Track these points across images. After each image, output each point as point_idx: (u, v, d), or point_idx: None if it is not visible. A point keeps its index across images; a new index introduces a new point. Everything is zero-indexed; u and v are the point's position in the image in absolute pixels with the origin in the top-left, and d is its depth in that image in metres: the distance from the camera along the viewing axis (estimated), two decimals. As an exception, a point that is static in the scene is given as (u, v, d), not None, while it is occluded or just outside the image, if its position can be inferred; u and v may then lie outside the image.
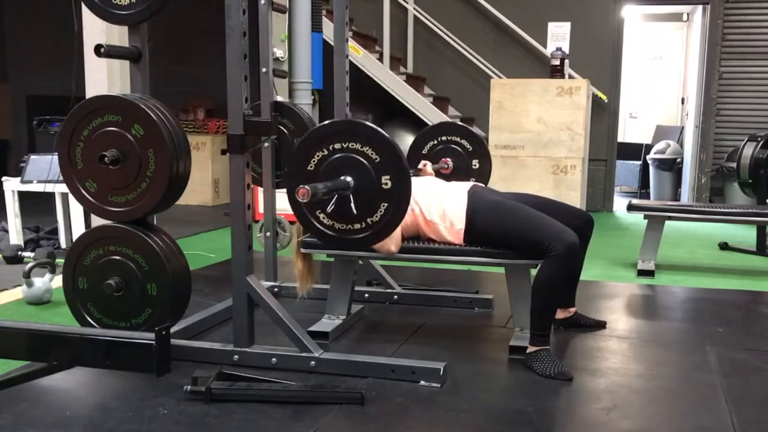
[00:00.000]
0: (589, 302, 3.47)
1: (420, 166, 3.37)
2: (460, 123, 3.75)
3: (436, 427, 2.20)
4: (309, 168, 2.36)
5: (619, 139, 7.62)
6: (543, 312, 2.61)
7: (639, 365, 2.72)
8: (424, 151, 3.63)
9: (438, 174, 3.45)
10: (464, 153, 3.61)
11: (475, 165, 3.61)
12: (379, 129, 2.31)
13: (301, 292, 2.95)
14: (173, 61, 7.84)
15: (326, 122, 2.41)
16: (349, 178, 2.30)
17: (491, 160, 3.66)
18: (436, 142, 3.62)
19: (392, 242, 2.68)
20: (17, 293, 3.54)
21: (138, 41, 2.68)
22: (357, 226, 2.35)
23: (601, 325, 3.11)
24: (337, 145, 2.32)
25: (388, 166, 2.28)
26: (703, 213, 4.40)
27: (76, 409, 2.27)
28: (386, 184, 2.28)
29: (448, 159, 3.60)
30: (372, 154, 2.28)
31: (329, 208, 2.32)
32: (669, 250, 4.88)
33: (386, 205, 2.30)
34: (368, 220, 2.33)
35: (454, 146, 3.61)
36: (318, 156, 2.35)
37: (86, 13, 4.20)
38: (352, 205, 2.30)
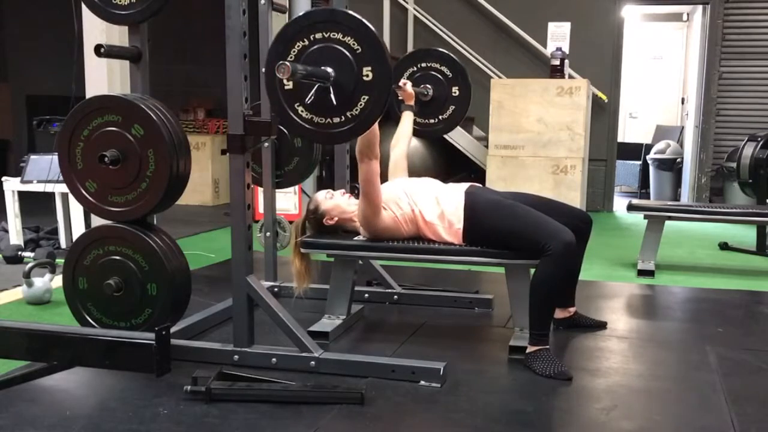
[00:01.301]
0: (589, 302, 3.47)
1: (400, 83, 3.30)
2: (440, 49, 3.66)
3: (436, 427, 2.20)
4: (289, 59, 2.26)
5: (619, 139, 7.62)
6: (541, 311, 2.61)
7: (639, 365, 2.72)
8: (404, 77, 3.56)
9: (418, 100, 3.39)
10: (444, 80, 3.54)
11: (455, 92, 3.54)
12: (362, 18, 2.22)
13: (297, 291, 2.95)
14: (173, 61, 7.85)
15: (307, 11, 2.32)
16: (329, 69, 2.22)
17: (470, 87, 3.56)
18: (415, 68, 3.55)
19: (370, 150, 2.60)
20: (17, 293, 3.54)
21: (138, 41, 2.69)
22: (336, 119, 2.26)
23: (602, 325, 3.11)
24: (318, 35, 2.24)
25: (369, 58, 2.20)
26: (703, 213, 4.40)
27: (76, 409, 2.27)
28: (367, 75, 2.20)
29: (428, 85, 3.54)
30: (354, 44, 2.20)
31: (308, 99, 2.23)
32: (669, 250, 4.88)
33: (366, 97, 2.22)
34: (348, 113, 2.24)
35: (433, 73, 3.54)
36: (298, 46, 2.26)
37: (86, 13, 4.20)
38: (332, 96, 2.21)
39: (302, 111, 2.30)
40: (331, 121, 2.27)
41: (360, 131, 2.31)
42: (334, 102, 2.22)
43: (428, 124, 3.51)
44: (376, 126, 2.58)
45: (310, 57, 2.24)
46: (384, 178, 2.86)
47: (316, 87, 2.23)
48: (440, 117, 3.57)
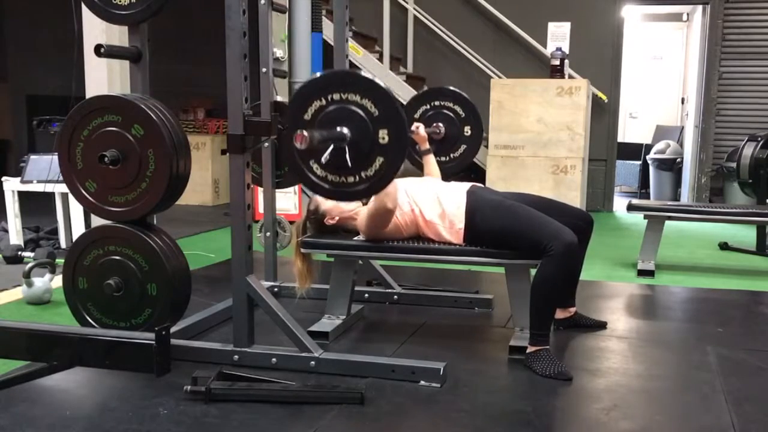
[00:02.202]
0: (589, 302, 3.47)
1: (413, 128, 3.31)
2: (453, 88, 3.68)
3: (436, 427, 2.20)
4: (306, 118, 2.29)
5: (619, 139, 7.62)
6: (542, 312, 2.61)
7: (639, 365, 2.72)
8: (416, 116, 3.59)
9: (430, 139, 3.41)
10: (456, 119, 3.56)
11: (467, 132, 3.56)
12: (379, 81, 2.24)
13: (299, 291, 2.95)
14: (173, 61, 7.84)
15: (325, 72, 2.35)
16: (345, 130, 2.23)
17: (482, 126, 3.59)
18: (428, 107, 3.57)
19: (389, 199, 2.65)
20: (17, 293, 3.54)
21: (138, 41, 2.69)
22: (351, 179, 2.28)
23: (602, 325, 3.11)
24: (336, 96, 2.25)
25: (386, 120, 2.21)
26: (703, 213, 4.40)
27: (76, 409, 2.27)
28: (383, 138, 2.21)
29: (440, 124, 3.56)
30: (370, 106, 2.22)
31: (324, 159, 2.24)
32: (669, 250, 4.88)
33: (382, 159, 2.23)
34: (363, 173, 2.26)
35: (446, 111, 3.57)
36: (315, 105, 2.28)
37: (86, 13, 4.20)
38: (348, 157, 2.23)
39: (317, 169, 2.32)
40: (345, 180, 2.29)
41: (375, 191, 2.34)
42: (350, 163, 2.24)
43: (439, 162, 3.52)
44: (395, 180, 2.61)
45: (327, 116, 2.26)
46: None
47: (332, 147, 2.24)
48: (451, 155, 3.60)
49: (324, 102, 2.27)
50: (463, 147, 3.58)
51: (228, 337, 2.62)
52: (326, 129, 2.23)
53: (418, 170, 3.40)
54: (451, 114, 3.57)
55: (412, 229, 2.84)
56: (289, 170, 2.40)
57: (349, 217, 2.95)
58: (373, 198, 2.68)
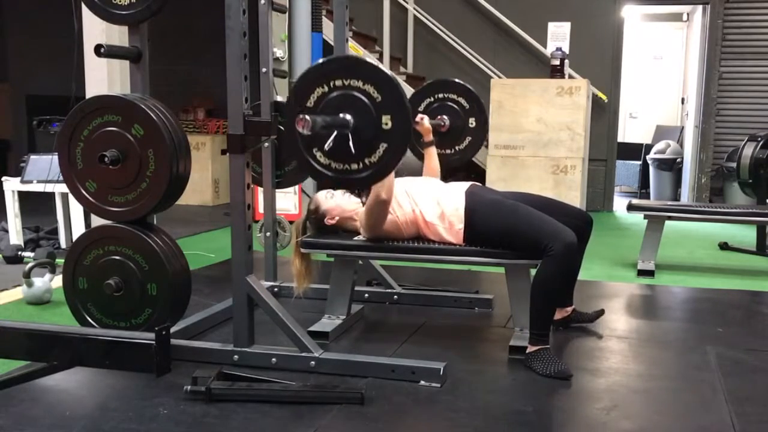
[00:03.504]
0: (589, 302, 3.47)
1: (417, 119, 3.29)
2: (457, 80, 3.65)
3: (436, 427, 2.20)
4: (308, 105, 2.27)
5: (619, 139, 7.62)
6: (542, 311, 2.61)
7: (639, 365, 2.72)
8: (420, 109, 3.57)
9: (434, 131, 3.40)
10: (461, 111, 3.54)
11: (471, 124, 3.54)
12: (383, 67, 2.23)
13: (297, 291, 2.95)
14: (173, 61, 7.84)
15: (327, 58, 2.33)
16: (348, 117, 2.22)
17: (487, 118, 3.54)
18: (432, 99, 3.55)
19: (384, 189, 2.64)
20: (17, 293, 3.54)
21: (138, 41, 2.69)
22: (354, 166, 2.27)
23: (600, 314, 3.10)
24: (338, 82, 2.24)
25: (389, 106, 2.20)
26: (703, 213, 4.40)
27: (76, 409, 2.27)
28: (387, 124, 2.20)
29: (445, 116, 3.54)
30: (374, 92, 2.20)
31: (327, 146, 2.24)
32: (669, 250, 4.88)
33: (385, 145, 2.22)
34: (366, 160, 2.25)
35: (450, 104, 3.54)
36: (318, 92, 2.26)
37: (86, 13, 4.20)
38: (351, 144, 2.22)
39: (320, 156, 2.30)
40: (348, 168, 2.28)
41: (378, 178, 2.32)
42: (353, 150, 2.23)
43: (444, 154, 3.49)
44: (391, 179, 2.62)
45: (329, 103, 2.25)
46: None
47: (335, 134, 2.23)
48: (456, 148, 3.58)
49: (326, 89, 2.25)
50: (468, 139, 3.55)
51: (228, 337, 2.62)
52: (329, 115, 2.22)
53: (420, 161, 3.38)
54: (456, 106, 3.54)
55: (412, 229, 2.84)
56: (292, 158, 2.37)
57: (349, 218, 2.95)
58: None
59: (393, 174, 2.57)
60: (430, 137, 3.32)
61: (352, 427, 2.14)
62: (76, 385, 2.44)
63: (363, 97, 2.21)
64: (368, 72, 2.22)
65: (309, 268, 2.96)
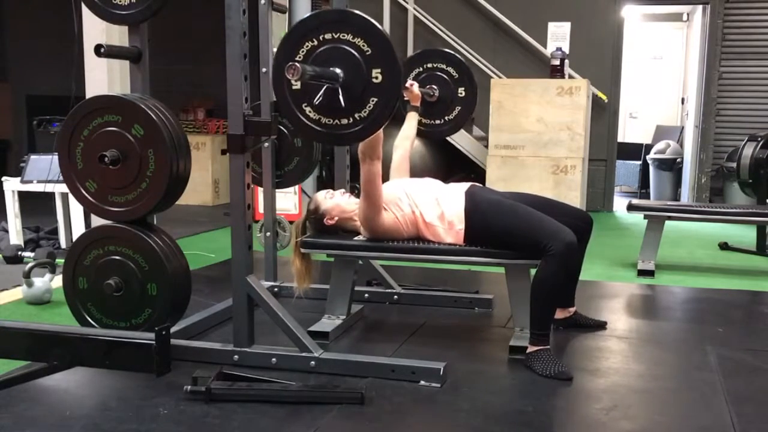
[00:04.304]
0: (589, 302, 3.47)
1: (407, 84, 3.29)
2: (446, 50, 3.65)
3: (436, 427, 2.20)
4: (298, 58, 2.25)
5: (619, 139, 7.62)
6: (542, 312, 2.61)
7: (639, 365, 2.72)
8: (410, 77, 3.56)
9: (424, 100, 3.39)
10: (450, 80, 3.52)
11: (461, 93, 3.53)
12: (372, 20, 2.20)
13: (298, 291, 2.95)
14: (173, 61, 7.84)
15: (317, 11, 2.30)
16: (338, 70, 2.20)
17: (477, 88, 3.55)
18: (421, 69, 3.53)
19: (370, 152, 2.59)
20: (17, 293, 3.54)
21: (138, 41, 2.69)
22: (344, 121, 2.25)
23: (602, 325, 3.11)
24: (328, 36, 2.21)
25: (379, 60, 2.18)
26: (703, 213, 4.40)
27: (76, 409, 2.27)
28: (377, 78, 2.18)
29: (434, 86, 3.52)
30: (363, 46, 2.18)
31: (317, 101, 2.21)
32: (669, 250, 4.88)
33: (375, 99, 2.20)
34: (356, 115, 2.22)
35: (439, 74, 3.53)
36: (307, 46, 2.24)
37: (86, 13, 4.20)
38: (341, 97, 2.19)
39: (310, 111, 2.28)
40: (339, 123, 2.26)
41: (368, 134, 2.29)
42: (343, 104, 2.20)
43: (434, 125, 3.49)
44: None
45: (319, 57, 2.22)
46: (386, 178, 2.86)
47: (324, 88, 2.21)
48: (446, 118, 3.56)
49: (316, 42, 2.23)
50: (458, 109, 3.54)
51: (228, 337, 2.62)
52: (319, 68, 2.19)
53: (399, 123, 3.32)
54: (445, 76, 3.53)
55: (412, 230, 2.83)
56: (274, 114, 2.35)
57: (348, 218, 2.94)
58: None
59: (380, 135, 2.56)
60: (417, 103, 3.31)
61: (352, 427, 2.14)
62: (76, 385, 2.44)
63: (353, 51, 2.19)
64: (358, 25, 2.19)
65: (309, 268, 2.96)
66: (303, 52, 2.25)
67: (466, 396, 2.36)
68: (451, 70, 3.52)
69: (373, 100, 2.20)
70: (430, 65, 3.53)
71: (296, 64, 2.08)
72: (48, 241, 4.72)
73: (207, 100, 7.69)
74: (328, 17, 2.25)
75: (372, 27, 2.19)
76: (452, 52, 3.64)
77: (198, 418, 2.15)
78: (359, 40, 2.18)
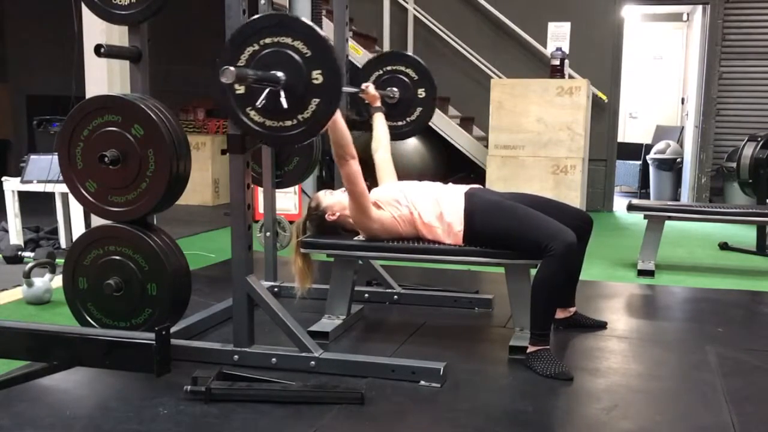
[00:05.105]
0: (589, 302, 3.47)
1: (363, 86, 3.30)
2: (405, 52, 3.74)
3: (436, 427, 2.20)
4: (240, 64, 2.30)
5: (619, 139, 7.62)
6: (542, 312, 2.61)
7: (639, 365, 2.72)
8: (370, 81, 3.54)
9: (385, 103, 3.40)
10: (410, 82, 3.54)
11: (421, 94, 3.54)
12: (310, 22, 2.27)
13: (300, 291, 2.95)
14: (173, 61, 7.84)
15: (256, 16, 2.34)
16: (280, 73, 2.24)
17: (436, 89, 3.56)
18: (381, 72, 3.54)
19: (340, 149, 2.65)
20: (17, 293, 3.54)
21: (138, 41, 2.68)
22: (288, 122, 2.29)
23: (602, 326, 3.11)
24: (268, 40, 2.27)
25: (318, 61, 2.22)
26: (703, 213, 4.40)
27: (76, 409, 2.27)
28: (317, 78, 2.23)
29: (394, 88, 3.54)
30: (303, 48, 2.23)
31: (259, 103, 2.26)
32: (669, 250, 4.88)
33: (317, 100, 2.24)
34: (299, 116, 2.27)
35: (399, 76, 3.55)
36: (249, 51, 2.29)
37: (86, 13, 4.20)
38: (283, 99, 2.24)
39: (254, 115, 2.33)
40: (283, 125, 2.31)
41: (312, 134, 2.34)
42: (285, 105, 2.25)
43: (396, 126, 3.50)
44: (344, 126, 2.65)
45: (260, 61, 2.27)
46: (375, 183, 2.86)
47: (267, 91, 2.26)
48: (408, 119, 3.57)
49: (257, 47, 2.28)
50: (419, 110, 3.55)
51: (228, 337, 2.62)
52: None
53: (369, 132, 3.33)
54: (405, 78, 3.54)
55: (409, 228, 2.83)
56: (227, 119, 2.40)
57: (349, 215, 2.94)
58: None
59: (346, 129, 2.63)
60: (377, 104, 3.31)
61: (352, 427, 2.14)
62: (76, 385, 2.44)
63: (293, 54, 2.24)
64: (297, 28, 2.25)
65: (310, 267, 2.96)
66: (245, 57, 2.30)
67: (466, 396, 2.36)
68: (410, 72, 3.55)
69: (314, 101, 2.26)
70: (389, 68, 3.55)
71: (230, 68, 2.11)
72: (48, 241, 4.72)
73: (207, 100, 7.69)
74: (267, 22, 2.30)
75: (311, 30, 2.25)
76: (411, 54, 3.70)
77: (198, 418, 2.15)
78: (299, 43, 2.24)
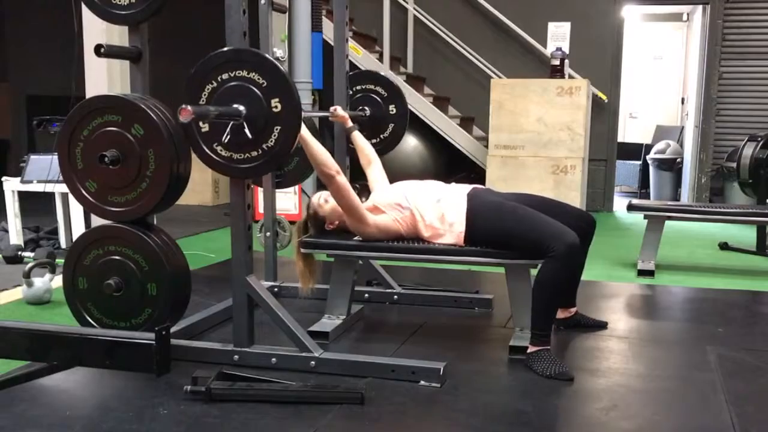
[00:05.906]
0: (589, 302, 3.47)
1: (330, 109, 3.30)
2: (372, 70, 3.82)
3: (436, 427, 2.20)
4: (201, 102, 2.35)
5: (619, 139, 7.62)
6: (544, 312, 2.60)
7: (639, 365, 2.72)
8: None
9: (358, 122, 3.42)
10: (380, 100, 3.57)
11: (392, 110, 3.56)
12: (262, 53, 2.31)
13: (303, 291, 2.95)
14: (173, 61, 7.84)
15: (211, 53, 2.37)
16: (241, 107, 2.28)
17: (407, 104, 3.60)
18: (351, 92, 3.56)
19: (320, 165, 2.70)
20: (17, 293, 3.54)
21: (138, 41, 2.68)
22: (254, 153, 2.34)
23: (602, 325, 3.11)
24: (225, 75, 2.31)
25: (275, 90, 2.27)
26: (703, 213, 4.40)
27: (76, 409, 2.27)
28: (276, 107, 2.28)
29: (365, 107, 3.56)
30: (258, 79, 2.28)
31: (225, 138, 2.30)
32: (669, 250, 4.88)
33: (279, 128, 2.29)
34: (263, 145, 2.32)
35: (370, 95, 3.57)
36: (208, 89, 2.34)
37: (86, 13, 4.20)
38: (247, 131, 2.28)
39: (221, 150, 2.38)
40: (249, 156, 2.35)
41: (278, 162, 2.41)
42: (250, 136, 2.29)
43: (371, 144, 3.52)
44: (315, 144, 2.69)
45: (222, 97, 2.31)
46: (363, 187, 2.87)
47: (230, 125, 2.29)
48: (381, 136, 3.59)
49: (215, 84, 2.33)
50: (392, 126, 3.57)
51: (228, 337, 2.63)
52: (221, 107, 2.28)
53: (356, 153, 3.34)
54: (375, 96, 3.57)
55: (411, 230, 2.84)
56: (199, 158, 2.47)
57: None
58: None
59: (318, 146, 2.68)
60: (349, 124, 3.31)
61: (352, 427, 2.14)
62: (76, 385, 2.44)
63: (250, 86, 2.29)
64: (250, 60, 2.29)
65: (313, 267, 2.96)
66: (205, 94, 2.35)
67: (466, 396, 2.36)
68: (380, 89, 3.57)
69: (277, 128, 2.30)
70: (359, 87, 3.58)
71: (188, 107, 2.13)
72: (48, 241, 4.72)
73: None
74: (220, 59, 2.34)
75: (262, 59, 2.30)
76: (377, 71, 3.79)
77: (198, 418, 2.15)
78: (254, 74, 2.29)
